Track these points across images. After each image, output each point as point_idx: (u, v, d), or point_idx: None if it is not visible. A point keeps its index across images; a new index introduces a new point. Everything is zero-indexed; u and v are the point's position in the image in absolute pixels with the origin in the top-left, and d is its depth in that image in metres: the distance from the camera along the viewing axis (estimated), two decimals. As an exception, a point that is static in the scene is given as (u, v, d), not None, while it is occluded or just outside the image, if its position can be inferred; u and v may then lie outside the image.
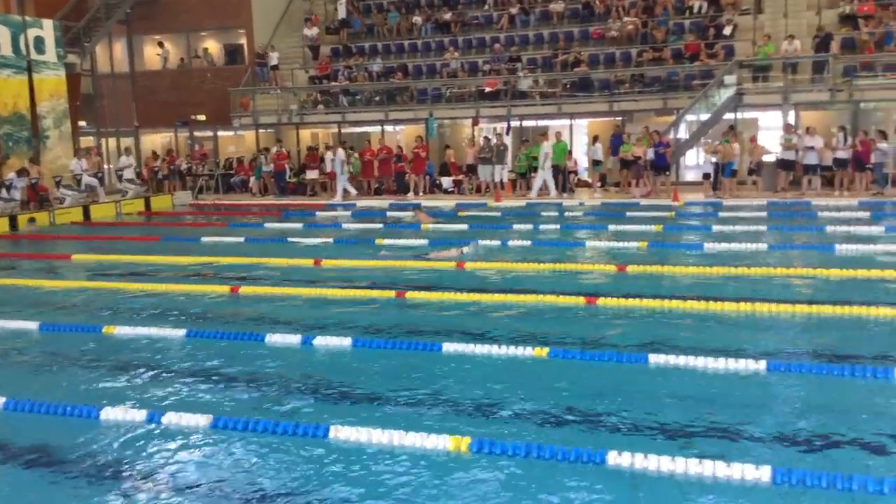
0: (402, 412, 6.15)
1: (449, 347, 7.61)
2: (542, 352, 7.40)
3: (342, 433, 5.62)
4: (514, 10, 27.60)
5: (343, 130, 27.30)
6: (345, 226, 17.75)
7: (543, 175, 21.40)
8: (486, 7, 28.70)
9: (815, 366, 6.90)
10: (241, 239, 15.82)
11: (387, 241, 14.79)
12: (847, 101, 21.28)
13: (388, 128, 26.68)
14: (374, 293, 10.42)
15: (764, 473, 4.70)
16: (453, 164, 24.05)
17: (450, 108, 25.55)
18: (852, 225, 14.83)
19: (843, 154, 19.29)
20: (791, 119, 21.30)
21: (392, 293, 10.26)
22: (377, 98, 26.61)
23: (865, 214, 16.21)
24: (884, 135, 19.17)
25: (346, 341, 8.01)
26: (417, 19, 28.93)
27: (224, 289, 10.95)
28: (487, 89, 24.87)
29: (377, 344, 7.95)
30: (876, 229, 14.40)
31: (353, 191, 23.00)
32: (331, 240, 15.31)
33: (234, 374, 7.28)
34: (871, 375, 6.53)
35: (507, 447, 5.23)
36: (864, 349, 7.32)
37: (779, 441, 5.39)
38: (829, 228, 14.49)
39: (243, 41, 30.14)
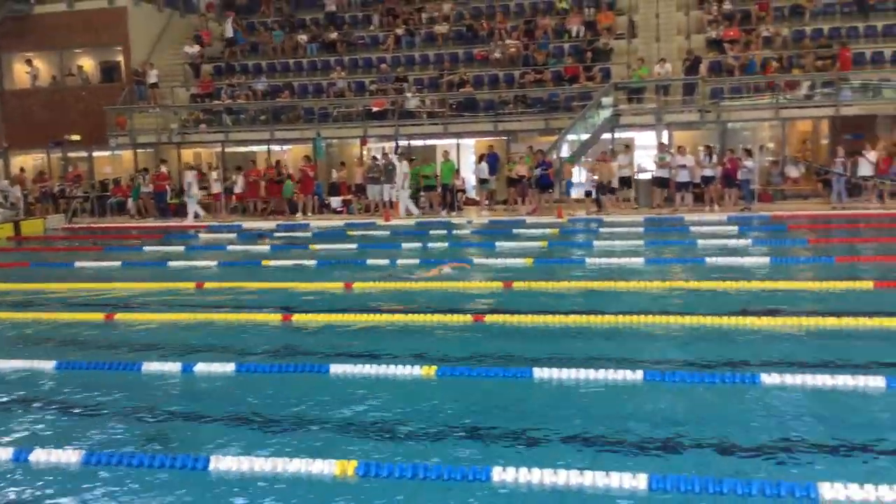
0: (286, 438, 6.02)
1: (336, 369, 7.52)
2: (430, 370, 7.41)
3: (223, 463, 5.45)
4: (399, 32, 27.82)
5: (227, 150, 26.70)
6: (230, 248, 17.32)
7: (401, 194, 21.58)
8: (372, 28, 28.81)
9: (689, 374, 7.20)
10: (118, 263, 15.18)
11: (273, 263, 14.53)
12: (715, 122, 22.50)
13: (275, 147, 26.27)
14: (260, 316, 10.20)
15: (641, 480, 4.85)
16: (343, 184, 23.94)
17: (337, 128, 25.43)
18: (721, 239, 15.63)
19: (710, 172, 20.34)
20: (665, 138, 22.33)
21: (278, 316, 10.07)
22: (262, 117, 26.19)
23: (734, 229, 17.12)
24: (749, 153, 20.34)
25: (229, 367, 7.79)
26: (303, 38, 28.71)
27: (98, 316, 10.45)
28: (375, 109, 24.92)
29: (262, 368, 7.77)
30: (743, 242, 15.22)
31: (201, 213, 22.69)
32: (215, 262, 14.90)
33: (109, 405, 6.94)
34: (741, 381, 6.86)
35: (393, 469, 5.20)
36: (734, 356, 7.68)
37: (655, 448, 5.58)
38: (701, 242, 15.22)
39: (120, 58, 29.10)
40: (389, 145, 24.51)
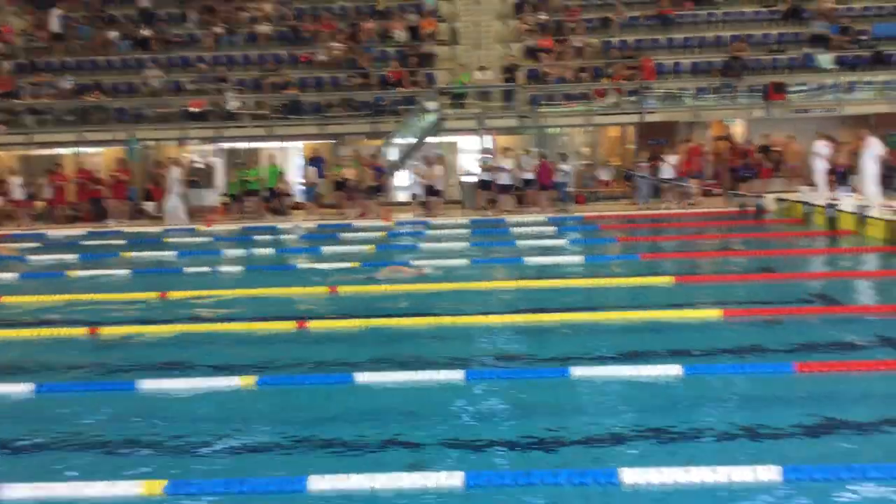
0: (90, 460, 5.63)
1: (146, 385, 7.13)
2: (250, 380, 7.19)
3: (16, 491, 5.00)
4: (219, 30, 26.92)
5: (31, 153, 24.73)
6: (31, 258, 16.01)
7: (170, 200, 20.99)
8: (189, 25, 27.69)
9: (511, 371, 7.43)
10: None
11: (81, 273, 13.58)
12: (534, 127, 23.48)
13: (86, 149, 24.62)
14: (65, 331, 9.49)
15: (457, 478, 4.94)
16: (158, 189, 22.80)
17: (154, 129, 24.22)
18: (541, 239, 16.31)
19: (530, 175, 21.20)
20: (488, 143, 23.02)
21: (85, 330, 9.41)
22: (70, 118, 24.47)
23: (552, 229, 17.92)
24: (564, 157, 21.37)
25: (27, 387, 7.18)
26: (114, 34, 27.11)
27: None
28: (194, 110, 23.96)
29: (64, 387, 7.23)
30: (560, 242, 15.95)
31: None
32: (15, 275, 13.73)
33: None
34: (554, 376, 7.16)
35: (205, 486, 4.98)
36: (552, 352, 8.01)
37: (477, 445, 5.70)
38: (522, 243, 15.80)
39: None
40: (210, 148, 23.69)
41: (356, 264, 13.75)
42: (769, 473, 4.91)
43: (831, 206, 15.18)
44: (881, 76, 23.38)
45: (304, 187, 23.56)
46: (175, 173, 20.98)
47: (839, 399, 6.49)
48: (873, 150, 15.95)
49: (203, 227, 19.88)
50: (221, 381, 7.19)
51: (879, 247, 13.30)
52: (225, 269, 13.82)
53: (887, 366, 7.09)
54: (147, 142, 24.49)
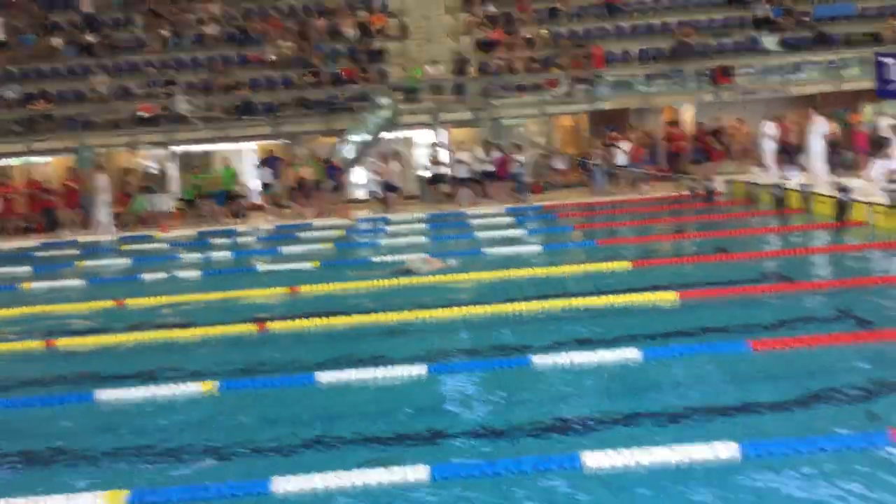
0: (47, 472, 5.56)
1: (103, 395, 7.04)
2: (211, 385, 7.15)
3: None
4: (165, 33, 26.52)
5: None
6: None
7: (101, 210, 20.59)
8: (135, 29, 27.22)
9: (471, 363, 7.49)
10: None
11: (35, 285, 13.33)
12: (488, 119, 23.55)
13: (35, 159, 24.08)
14: (19, 345, 9.33)
15: (422, 472, 4.98)
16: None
17: (103, 136, 23.77)
18: (500, 230, 16.39)
19: (488, 167, 21.28)
20: (444, 137, 23.04)
21: (40, 342, 9.25)
22: (17, 128, 23.91)
23: (511, 220, 18.02)
24: (519, 148, 21.49)
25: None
26: (58, 41, 26.55)
27: None
28: (144, 115, 23.59)
29: (20, 402, 7.11)
30: (519, 232, 16.06)
31: None
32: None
33: None
34: (516, 365, 7.23)
35: (168, 493, 4.96)
36: (515, 340, 8.08)
37: (442, 438, 5.75)
38: (481, 234, 15.87)
39: None
40: (164, 153, 23.37)
41: (316, 264, 13.70)
42: (728, 450, 5.03)
43: (778, 186, 15.51)
44: (824, 56, 23.88)
45: (260, 189, 23.32)
46: (101, 181, 20.52)
47: (794, 374, 6.66)
48: (820, 129, 16.33)
49: (159, 234, 19.60)
50: (183, 388, 7.13)
51: (826, 223, 13.63)
52: (183, 274, 13.65)
53: (840, 339, 7.29)
54: (97, 149, 24.05)
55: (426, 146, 22.72)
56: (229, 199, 21.65)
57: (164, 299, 11.44)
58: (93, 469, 5.63)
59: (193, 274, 13.70)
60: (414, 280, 11.55)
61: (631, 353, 7.22)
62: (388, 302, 10.15)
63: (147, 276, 13.51)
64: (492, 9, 26.58)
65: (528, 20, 26.22)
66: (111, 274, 14.58)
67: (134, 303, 11.29)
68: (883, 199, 12.65)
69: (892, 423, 5.28)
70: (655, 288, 9.68)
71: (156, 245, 18.24)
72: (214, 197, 21.67)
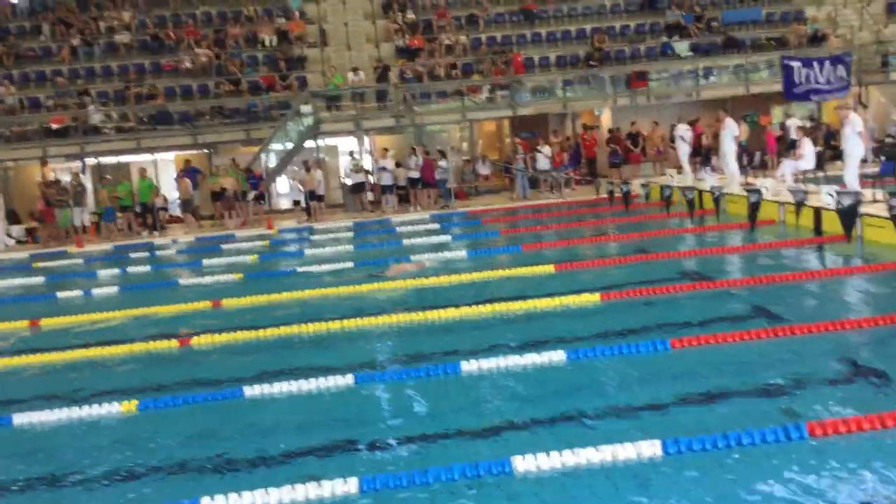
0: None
1: (20, 419, 6.76)
2: (131, 405, 6.94)
3: None
4: (75, 42, 25.66)
5: None
6: None
7: None
8: (43, 38, 26.26)
9: (401, 371, 7.48)
10: None
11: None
12: (411, 126, 23.60)
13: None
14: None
15: (352, 485, 4.95)
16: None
17: (12, 149, 22.84)
18: (425, 237, 16.44)
19: (414, 174, 21.32)
20: (367, 144, 22.96)
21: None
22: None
23: (436, 226, 18.09)
24: (443, 154, 21.60)
25: None
26: (-41, 51, 25.42)
27: None
28: (55, 126, 22.77)
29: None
30: (445, 239, 16.13)
31: None
32: None
33: None
34: (443, 372, 7.25)
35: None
36: (443, 347, 8.09)
37: (371, 449, 5.71)
38: (407, 241, 15.88)
39: None
40: (76, 165, 22.60)
41: (240, 276, 13.47)
42: (651, 448, 5.16)
43: (692, 187, 16.00)
44: (734, 60, 24.78)
45: (179, 200, 22.79)
46: None
47: (713, 371, 6.86)
48: (731, 131, 16.88)
49: (74, 249, 18.95)
50: (102, 409, 6.91)
51: (739, 223, 14.13)
52: (99, 291, 13.25)
53: (756, 335, 7.55)
54: (6, 162, 23.13)
55: (348, 154, 22.61)
56: (147, 211, 21.09)
57: (80, 317, 11.06)
58: (9, 495, 5.40)
59: (111, 290, 13.31)
60: (340, 290, 11.47)
61: (556, 356, 7.33)
62: (314, 313, 10.06)
63: (62, 294, 13.04)
64: (411, 16, 26.65)
65: (448, 27, 26.39)
66: (23, 292, 14.01)
67: (49, 322, 10.88)
68: (791, 198, 13.18)
69: (809, 417, 5.50)
70: (578, 290, 9.86)
71: (71, 261, 17.63)
72: (131, 209, 21.08)
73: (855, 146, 12.71)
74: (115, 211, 20.93)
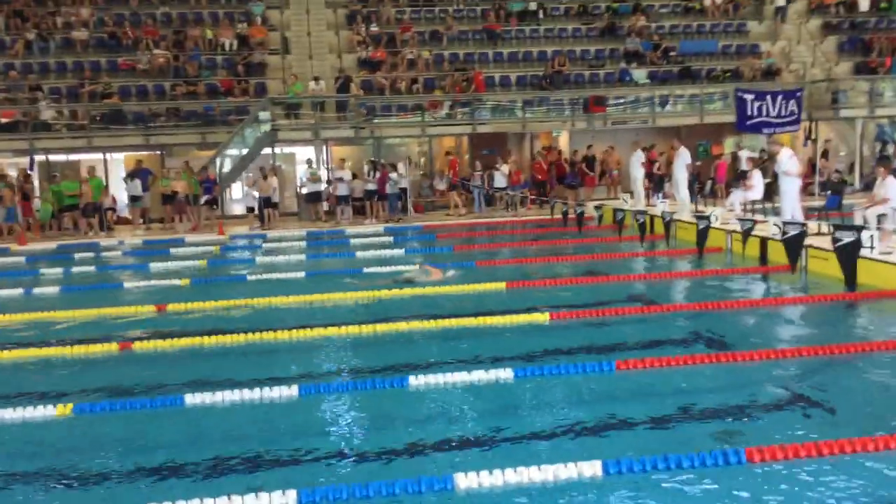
0: None
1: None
2: (67, 409, 6.74)
3: None
4: (30, 36, 25.09)
5: None
6: None
7: None
8: (-5, 31, 25.66)
9: (347, 384, 7.40)
10: None
11: None
12: (370, 137, 23.55)
13: None
14: None
15: (290, 497, 4.86)
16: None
17: (-43, 142, 22.22)
18: (379, 249, 16.37)
19: (372, 186, 21.24)
20: (323, 154, 22.82)
21: None
22: None
23: (390, 239, 18.03)
24: (394, 167, 21.57)
25: None
26: None
27: None
28: (4, 120, 22.20)
29: None
30: (398, 252, 16.08)
31: None
32: None
33: None
34: (396, 385, 7.20)
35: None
36: (392, 360, 8.03)
37: (312, 462, 5.63)
38: (360, 254, 15.80)
39: None
40: (24, 161, 22.03)
41: (186, 281, 13.24)
42: (591, 468, 5.18)
43: (643, 212, 16.24)
44: (689, 90, 25.29)
45: (128, 201, 22.35)
46: None
47: (656, 393, 6.94)
48: (684, 159, 17.21)
49: (16, 247, 18.43)
50: (36, 411, 6.70)
51: (688, 249, 14.37)
52: (39, 290, 12.90)
53: (698, 359, 7.66)
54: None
55: (305, 163, 22.46)
56: (95, 210, 20.64)
57: (17, 317, 10.75)
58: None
59: (52, 290, 12.96)
60: (290, 299, 11.35)
61: (504, 373, 7.34)
62: (261, 321, 9.92)
63: (0, 293, 12.66)
64: (375, 28, 26.66)
65: (412, 42, 26.45)
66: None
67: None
68: (739, 227, 13.46)
69: (748, 443, 5.57)
70: (529, 309, 9.90)
71: (11, 259, 17.15)
72: (78, 208, 20.61)
73: (791, 182, 13.53)
74: (16, 211, 20.10)
